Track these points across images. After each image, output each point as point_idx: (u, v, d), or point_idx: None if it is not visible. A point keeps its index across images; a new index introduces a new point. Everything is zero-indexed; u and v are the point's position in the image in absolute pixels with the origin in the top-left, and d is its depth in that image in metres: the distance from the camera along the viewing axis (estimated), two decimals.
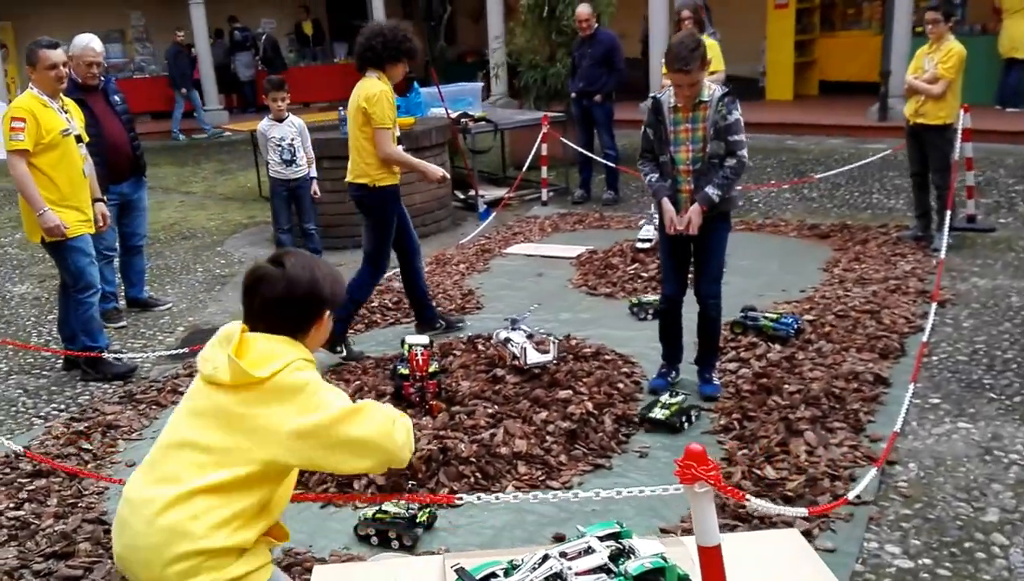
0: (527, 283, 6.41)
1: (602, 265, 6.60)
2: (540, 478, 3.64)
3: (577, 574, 2.34)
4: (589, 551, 2.44)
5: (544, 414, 4.04)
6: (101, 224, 5.26)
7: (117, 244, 6.13)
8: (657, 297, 5.33)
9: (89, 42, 5.62)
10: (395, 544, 3.19)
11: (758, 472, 3.53)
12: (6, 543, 3.37)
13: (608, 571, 2.38)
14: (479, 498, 2.67)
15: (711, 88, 4.08)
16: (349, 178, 5.10)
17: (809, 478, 3.46)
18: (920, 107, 6.48)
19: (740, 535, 3.03)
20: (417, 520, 3.23)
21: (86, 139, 5.13)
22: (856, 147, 10.46)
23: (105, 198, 5.45)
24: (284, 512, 2.16)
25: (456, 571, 2.42)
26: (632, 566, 2.35)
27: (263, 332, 2.03)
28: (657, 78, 11.13)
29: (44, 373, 5.23)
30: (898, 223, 7.38)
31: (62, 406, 4.72)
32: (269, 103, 6.75)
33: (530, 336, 4.58)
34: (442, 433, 3.86)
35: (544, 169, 9.08)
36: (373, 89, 4.80)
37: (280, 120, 6.71)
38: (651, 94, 4.26)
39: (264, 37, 17.94)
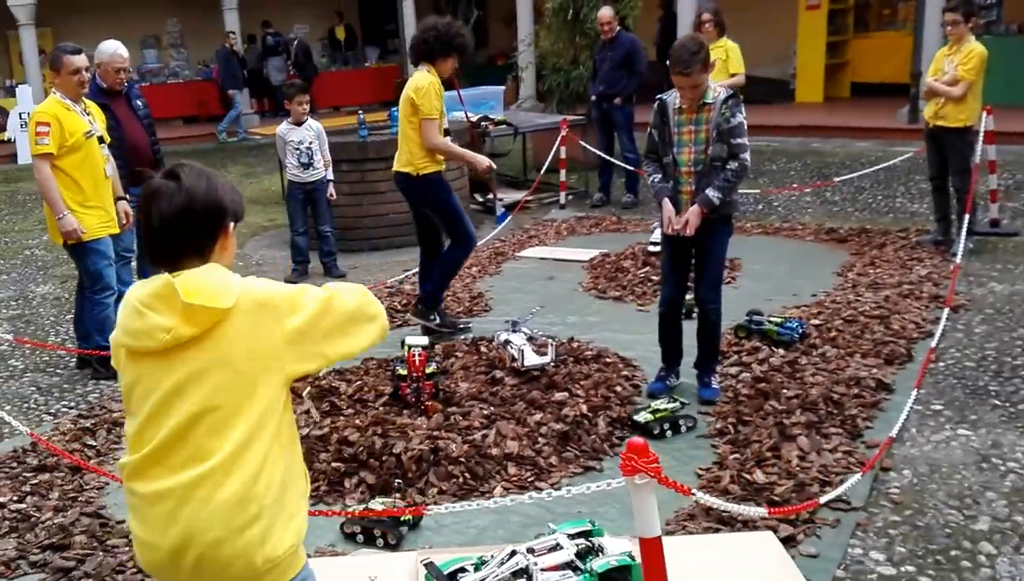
0: (537, 286, 6.42)
1: (613, 268, 6.59)
2: (529, 479, 3.66)
3: (543, 570, 2.36)
4: (557, 548, 2.46)
5: (538, 416, 4.06)
6: (125, 222, 5.40)
7: (135, 245, 6.24)
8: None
9: (117, 49, 5.75)
10: (380, 542, 3.22)
11: (747, 476, 3.51)
12: (7, 534, 3.46)
13: (575, 568, 2.39)
14: (446, 508, 2.68)
15: (716, 91, 4.08)
16: (395, 167, 5.28)
17: (798, 483, 3.43)
18: (940, 109, 6.39)
19: (713, 537, 3.02)
20: (402, 519, 3.26)
21: (108, 140, 5.27)
22: (884, 150, 10.34)
23: (128, 197, 5.58)
24: None
25: (425, 565, 2.44)
26: (598, 564, 2.36)
27: (173, 266, 1.85)
28: None
29: (58, 371, 5.35)
30: (919, 227, 7.28)
31: (72, 403, 4.83)
32: (292, 107, 6.85)
33: (530, 338, 4.60)
34: (435, 433, 3.89)
35: (563, 172, 9.08)
36: (422, 81, 5.00)
37: (299, 124, 6.80)
38: (658, 96, 4.27)
39: (296, 42, 18.15)
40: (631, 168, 8.81)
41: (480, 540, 3.27)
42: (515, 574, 2.34)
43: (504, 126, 9.13)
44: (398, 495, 3.48)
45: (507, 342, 4.59)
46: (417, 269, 5.82)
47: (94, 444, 4.23)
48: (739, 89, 8.01)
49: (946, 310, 5.27)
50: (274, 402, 1.85)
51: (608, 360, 4.78)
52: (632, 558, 2.38)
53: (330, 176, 6.98)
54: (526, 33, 13.54)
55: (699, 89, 4.05)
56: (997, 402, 4.15)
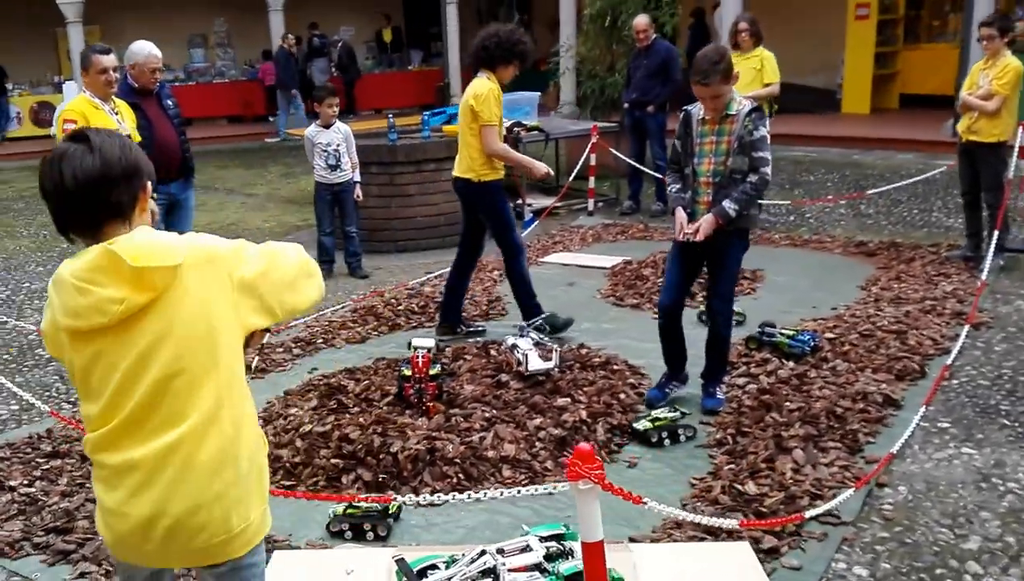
0: (557, 292, 6.44)
1: (633, 276, 6.60)
2: (523, 482, 3.68)
3: (510, 570, 2.39)
4: (527, 549, 2.49)
5: (538, 420, 4.08)
6: (150, 221, 5.53)
7: None
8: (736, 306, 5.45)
9: (151, 50, 5.90)
10: (370, 535, 3.27)
11: (739, 487, 3.51)
12: (14, 517, 3.58)
13: (543, 570, 2.42)
14: (409, 499, 2.72)
15: (740, 103, 4.06)
16: (455, 172, 5.34)
17: (788, 496, 3.41)
18: (973, 124, 6.29)
19: (687, 545, 3.03)
20: (390, 511, 3.31)
21: (137, 139, 5.41)
22: (925, 163, 10.16)
23: (155, 196, 5.72)
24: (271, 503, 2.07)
25: (396, 562, 2.49)
26: (564, 567, 2.39)
27: (95, 233, 1.80)
28: None
29: None
30: (951, 242, 7.16)
31: None
32: (321, 110, 6.97)
33: (537, 343, 4.63)
34: (434, 434, 3.94)
35: (591, 179, 9.09)
36: (482, 88, 5.03)
37: (327, 126, 6.91)
38: (683, 107, 4.28)
39: (340, 44, 18.39)
40: (661, 176, 8.78)
41: (468, 539, 3.31)
42: (483, 573, 2.37)
43: (536, 132, 9.16)
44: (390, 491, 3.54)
45: (514, 346, 4.63)
46: (438, 272, 5.87)
47: None
48: (774, 98, 7.99)
49: (966, 327, 5.18)
50: (237, 360, 1.84)
51: (616, 367, 4.79)
52: None
53: (357, 178, 7.08)
54: (567, 38, 13.57)
55: (720, 100, 4.03)
56: (1006, 422, 4.08)
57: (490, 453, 3.81)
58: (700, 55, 4.03)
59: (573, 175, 9.22)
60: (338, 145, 6.87)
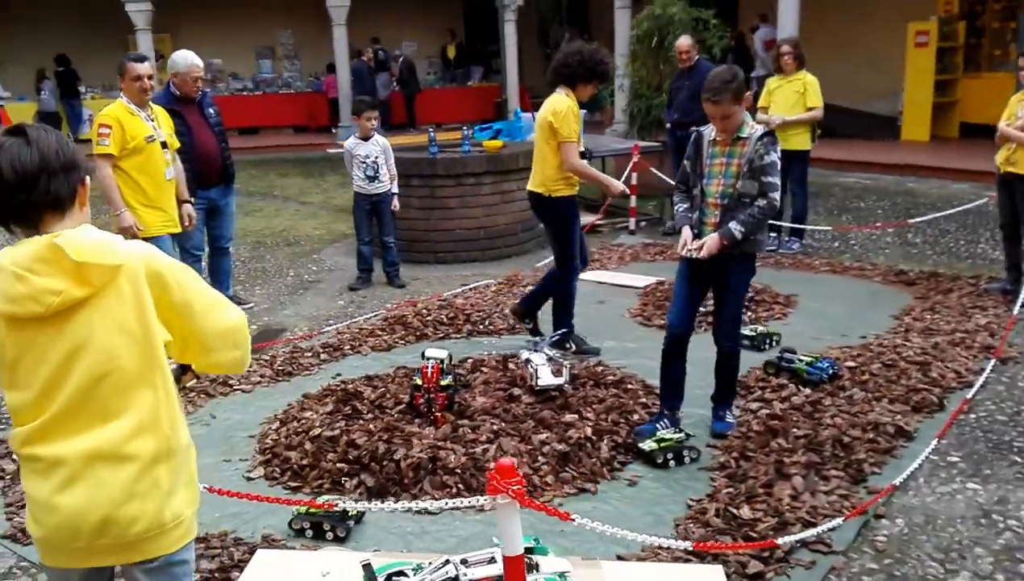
0: (587, 309, 6.47)
1: (664, 297, 6.60)
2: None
3: None
4: (492, 561, 2.54)
5: (544, 435, 4.13)
6: (187, 223, 5.76)
7: (205, 244, 6.64)
8: (768, 327, 5.71)
9: (194, 59, 6.15)
10: (329, 535, 3.39)
11: (733, 510, 3.51)
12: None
13: None
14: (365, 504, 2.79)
15: (753, 126, 4.07)
16: (529, 186, 5.44)
17: (781, 522, 3.41)
18: (1011, 155, 6.18)
19: (659, 565, 3.05)
20: (349, 514, 3.42)
21: (175, 145, 5.63)
22: (978, 193, 9.93)
23: (192, 200, 5.95)
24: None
25: (363, 566, 2.57)
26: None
27: (35, 226, 1.83)
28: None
29: None
30: (992, 275, 7.01)
31: None
32: (360, 122, 7.14)
33: (550, 359, 4.68)
34: (440, 443, 4.02)
35: (633, 198, 9.11)
36: (561, 105, 5.10)
37: (366, 138, 7.08)
38: (695, 128, 4.31)
39: (401, 59, 18.72)
40: None
41: (461, 548, 3.36)
42: None
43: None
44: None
45: (527, 361, 4.69)
46: (473, 284, 5.95)
47: None
48: (817, 123, 7.93)
49: (992, 361, 5.09)
50: (161, 356, 1.89)
51: (629, 387, 4.82)
52: (561, 578, 2.45)
53: (395, 189, 7.23)
54: (620, 56, 13.62)
55: (730, 121, 4.05)
56: (1018, 459, 4.00)
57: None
58: (712, 74, 4.05)
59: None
60: (376, 157, 7.03)
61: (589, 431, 4.16)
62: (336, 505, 3.11)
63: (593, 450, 4.07)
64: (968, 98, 14.13)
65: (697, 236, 4.15)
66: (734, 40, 15.57)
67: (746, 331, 5.70)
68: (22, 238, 1.84)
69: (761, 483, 3.69)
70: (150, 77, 5.31)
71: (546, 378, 4.52)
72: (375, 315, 6.52)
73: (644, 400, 4.68)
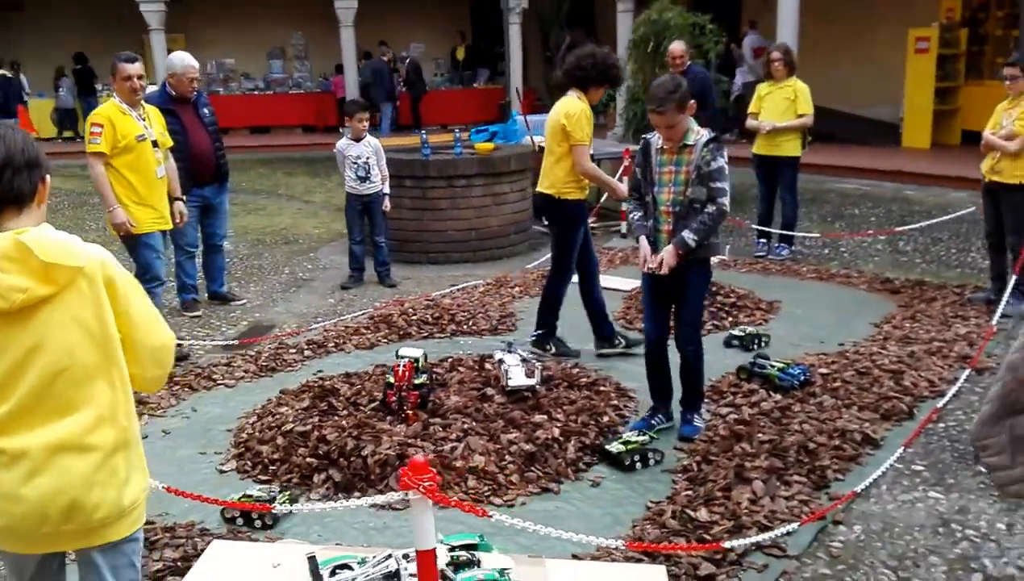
0: (569, 311, 6.48)
1: None
2: (486, 493, 3.80)
3: (411, 575, 2.50)
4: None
5: (513, 435, 4.19)
6: (179, 221, 5.85)
7: (199, 241, 6.72)
8: (757, 329, 5.86)
9: (189, 60, 6.25)
10: (258, 523, 3.49)
11: (691, 513, 3.56)
12: None
13: (445, 577, 2.53)
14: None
15: (699, 133, 4.13)
16: (538, 188, 5.47)
17: (737, 525, 3.46)
18: (996, 164, 6.20)
19: (603, 565, 3.10)
20: (279, 501, 3.50)
21: (168, 144, 5.71)
22: (975, 201, 9.94)
23: (184, 198, 6.03)
24: None
25: (308, 559, 2.63)
26: (463, 576, 2.49)
27: None
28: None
29: None
30: (978, 284, 7.03)
31: None
32: (352, 124, 7.22)
33: (524, 360, 4.73)
34: (409, 441, 4.09)
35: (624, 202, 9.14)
36: (573, 108, 5.13)
37: (358, 140, 7.16)
38: (643, 136, 4.37)
39: (408, 61, 18.80)
40: None
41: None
42: (386, 577, 2.49)
43: None
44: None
45: (501, 362, 4.75)
46: (463, 284, 6.00)
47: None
48: (808, 129, 7.96)
49: (967, 371, 5.12)
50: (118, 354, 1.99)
51: (602, 388, 4.87)
52: (501, 575, 2.50)
53: (386, 190, 7.30)
54: (622, 60, 13.67)
55: (675, 129, 4.10)
56: (982, 469, 4.03)
57: (459, 463, 3.94)
58: (656, 84, 4.10)
59: (605, 196, 9.28)
60: (367, 158, 7.11)
61: (557, 432, 4.21)
62: (272, 509, 3.19)
63: (560, 451, 4.12)
64: (970, 106, 14.10)
65: (653, 244, 4.21)
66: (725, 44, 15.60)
67: (736, 331, 5.78)
68: None
69: (720, 487, 3.74)
70: (140, 77, 5.39)
71: (518, 379, 4.58)
72: (362, 313, 6.59)
73: (616, 402, 4.73)
